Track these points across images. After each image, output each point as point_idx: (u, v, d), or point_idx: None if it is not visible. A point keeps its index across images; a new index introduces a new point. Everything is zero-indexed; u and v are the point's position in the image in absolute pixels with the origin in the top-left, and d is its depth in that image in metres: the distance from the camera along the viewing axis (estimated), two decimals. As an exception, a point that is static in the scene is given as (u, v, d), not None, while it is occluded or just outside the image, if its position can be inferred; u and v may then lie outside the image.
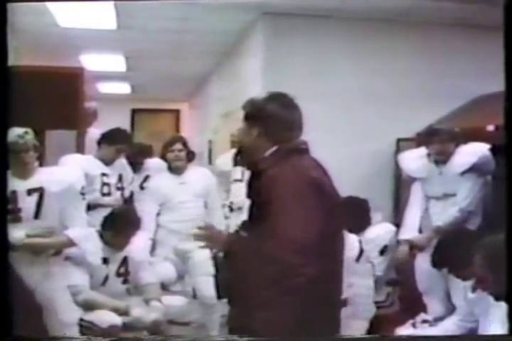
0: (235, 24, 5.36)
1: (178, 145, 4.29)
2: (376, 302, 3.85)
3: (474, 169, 3.72)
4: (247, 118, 2.19)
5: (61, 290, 3.29)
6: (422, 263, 3.69)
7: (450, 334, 3.02)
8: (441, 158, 3.81)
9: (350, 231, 3.68)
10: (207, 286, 3.72)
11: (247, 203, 2.19)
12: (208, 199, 4.30)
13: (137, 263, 3.72)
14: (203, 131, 8.94)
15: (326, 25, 4.93)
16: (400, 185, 4.67)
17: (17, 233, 3.04)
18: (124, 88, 9.41)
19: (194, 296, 4.12)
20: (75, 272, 3.46)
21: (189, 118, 11.16)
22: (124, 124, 7.40)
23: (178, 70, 7.76)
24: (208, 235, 2.17)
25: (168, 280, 4.00)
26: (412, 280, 3.92)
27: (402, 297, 4.05)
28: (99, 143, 4.11)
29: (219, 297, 2.12)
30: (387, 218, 4.55)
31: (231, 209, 4.54)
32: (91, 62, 6.81)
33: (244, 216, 2.26)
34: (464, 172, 3.73)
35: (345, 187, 2.40)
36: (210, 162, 7.92)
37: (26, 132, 3.16)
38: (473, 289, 2.65)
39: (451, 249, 2.88)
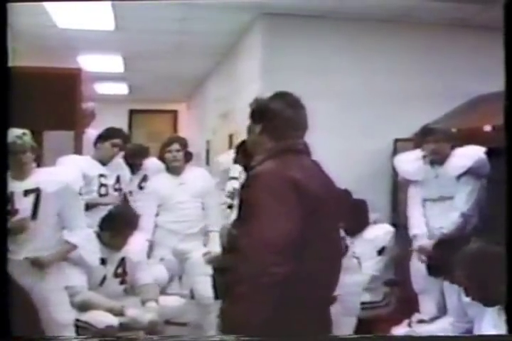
0: (233, 25, 5.36)
1: (176, 146, 4.30)
2: (373, 303, 3.86)
3: (470, 172, 3.72)
4: (252, 115, 2.21)
5: (57, 291, 3.29)
6: (418, 264, 3.69)
7: (446, 333, 3.02)
8: (436, 158, 3.81)
9: (348, 232, 3.70)
10: (205, 286, 3.72)
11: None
12: (206, 199, 4.31)
13: (135, 264, 3.72)
14: (201, 131, 8.95)
15: (324, 26, 4.93)
16: (398, 186, 4.67)
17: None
18: (121, 89, 9.41)
19: (192, 296, 4.13)
20: (72, 273, 3.46)
21: (187, 118, 11.17)
22: (122, 125, 7.42)
23: (176, 71, 7.76)
24: None
25: (160, 282, 3.99)
26: (409, 280, 3.93)
27: (400, 297, 4.06)
28: (95, 143, 4.12)
29: (216, 297, 2.12)
30: (385, 218, 4.56)
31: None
32: (89, 62, 6.81)
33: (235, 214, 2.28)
34: (460, 176, 3.73)
35: (342, 187, 2.41)
36: (207, 162, 7.92)
37: (24, 133, 3.17)
38: (466, 294, 2.65)
39: (445, 257, 2.85)
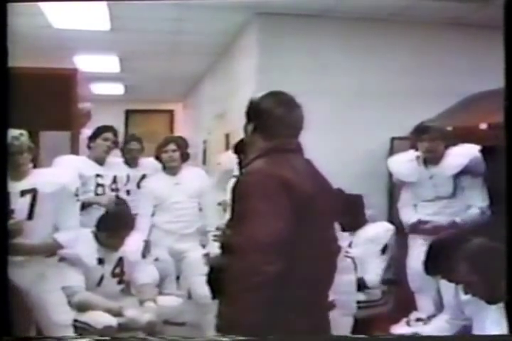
0: (229, 24, 5.36)
1: (172, 146, 4.31)
2: (371, 301, 3.86)
3: (465, 171, 3.72)
4: (246, 114, 2.21)
5: (55, 292, 3.29)
6: (414, 262, 3.69)
7: (443, 332, 3.02)
8: (430, 157, 3.81)
9: (346, 228, 3.69)
10: (202, 286, 3.71)
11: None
12: (202, 199, 4.31)
13: (132, 264, 3.72)
14: (197, 131, 8.94)
15: (320, 25, 4.94)
16: (394, 184, 4.67)
17: None
18: (117, 89, 9.41)
19: (189, 296, 4.13)
20: (70, 273, 3.47)
21: (183, 118, 11.16)
22: (118, 125, 7.39)
23: (172, 71, 7.76)
24: None
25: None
26: (406, 279, 3.93)
27: (398, 296, 4.06)
28: (88, 144, 4.14)
29: (213, 297, 2.12)
30: (382, 217, 4.56)
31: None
32: (84, 63, 6.80)
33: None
34: (456, 175, 3.73)
35: (338, 185, 2.41)
36: (204, 162, 7.93)
37: (21, 134, 3.16)
38: (466, 292, 2.66)
39: (442, 256, 2.85)
